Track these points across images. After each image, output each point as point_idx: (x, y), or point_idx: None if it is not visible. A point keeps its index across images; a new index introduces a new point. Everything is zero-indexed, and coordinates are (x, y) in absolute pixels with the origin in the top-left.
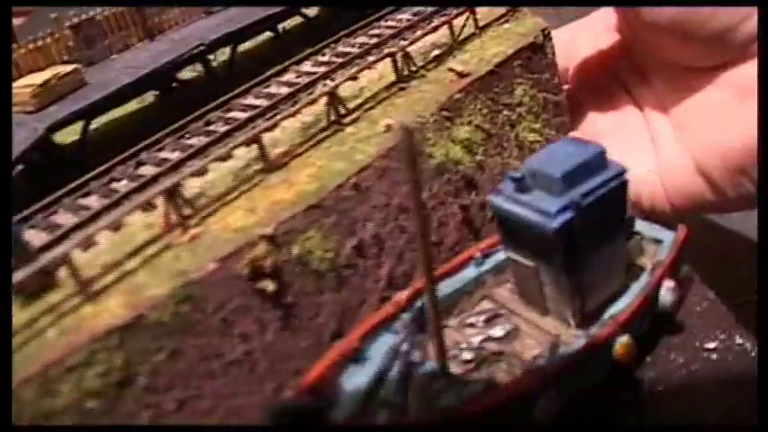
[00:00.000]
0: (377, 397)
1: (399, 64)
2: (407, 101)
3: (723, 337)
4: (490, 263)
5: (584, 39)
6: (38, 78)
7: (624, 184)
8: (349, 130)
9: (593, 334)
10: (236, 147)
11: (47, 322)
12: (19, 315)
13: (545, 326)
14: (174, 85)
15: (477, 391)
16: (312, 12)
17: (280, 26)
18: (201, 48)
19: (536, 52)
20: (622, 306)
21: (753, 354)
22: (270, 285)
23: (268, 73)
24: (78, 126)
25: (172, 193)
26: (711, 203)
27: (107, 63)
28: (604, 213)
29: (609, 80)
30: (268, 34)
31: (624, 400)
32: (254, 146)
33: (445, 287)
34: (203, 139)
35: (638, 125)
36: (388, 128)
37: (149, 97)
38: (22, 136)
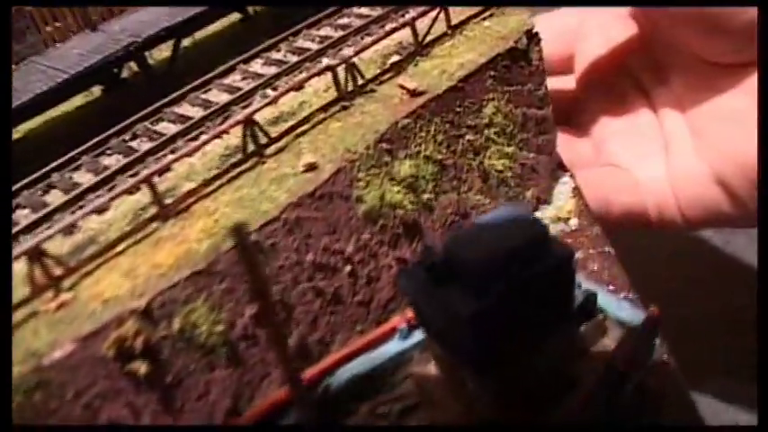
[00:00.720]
0: None
1: (342, 78)
2: (344, 127)
3: None
4: (418, 337)
5: (593, 27)
6: None
7: (570, 274)
8: (269, 164)
9: None
10: (114, 197)
11: None
12: None
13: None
14: (105, 86)
15: None
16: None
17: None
18: (135, 44)
19: (516, 60)
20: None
21: None
22: (142, 367)
23: (210, 75)
24: None
25: (35, 253)
26: (728, 216)
27: (28, 66)
28: (539, 306)
29: (620, 76)
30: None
31: None
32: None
33: (361, 366)
34: (92, 178)
35: (651, 128)
36: (309, 167)
37: (96, 94)
38: None
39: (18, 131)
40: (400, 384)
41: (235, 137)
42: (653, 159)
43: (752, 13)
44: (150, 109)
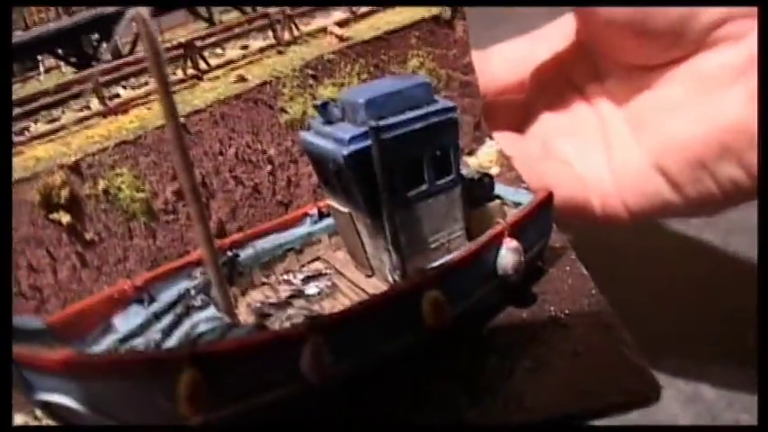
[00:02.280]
0: (141, 336)
1: (278, 27)
2: (276, 60)
3: (579, 311)
4: (326, 222)
5: (540, 48)
6: None
7: (451, 124)
8: (205, 84)
9: (395, 285)
10: (75, 96)
11: None
12: None
13: (366, 287)
14: (90, 64)
15: (242, 334)
16: None
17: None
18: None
19: (440, 26)
20: (440, 262)
21: (611, 330)
22: (65, 217)
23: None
24: None
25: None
26: (669, 203)
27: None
28: (419, 152)
29: (564, 83)
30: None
31: (440, 367)
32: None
33: (272, 242)
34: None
35: (593, 127)
36: (239, 78)
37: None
38: None
39: None
40: (309, 263)
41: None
42: (595, 155)
43: (675, 12)
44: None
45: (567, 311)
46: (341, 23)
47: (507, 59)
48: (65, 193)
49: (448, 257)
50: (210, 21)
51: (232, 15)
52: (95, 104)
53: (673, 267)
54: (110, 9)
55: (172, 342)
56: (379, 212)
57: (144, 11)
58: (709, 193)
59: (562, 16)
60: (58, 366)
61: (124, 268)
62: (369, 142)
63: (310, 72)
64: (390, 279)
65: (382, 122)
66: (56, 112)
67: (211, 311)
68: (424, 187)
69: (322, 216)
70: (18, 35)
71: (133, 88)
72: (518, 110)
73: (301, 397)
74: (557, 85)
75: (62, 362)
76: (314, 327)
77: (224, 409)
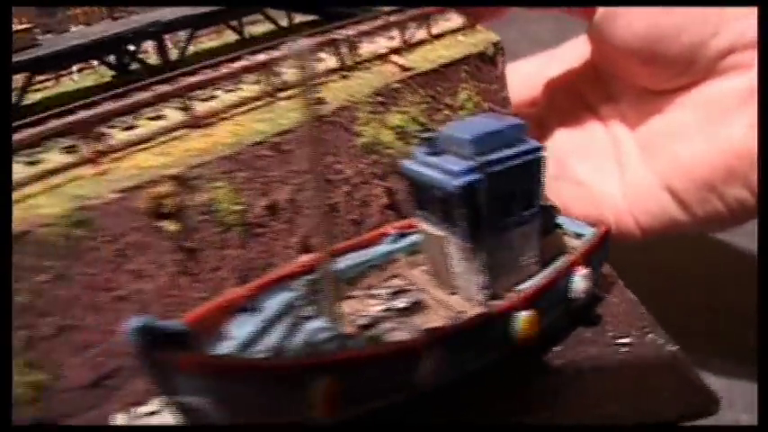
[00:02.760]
0: (259, 343)
1: (342, 51)
2: (344, 85)
3: (637, 334)
4: (405, 243)
5: (554, 67)
6: None
7: (539, 162)
8: (282, 104)
9: (491, 305)
10: (163, 99)
11: None
12: None
13: (451, 303)
14: (129, 65)
15: (360, 345)
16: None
17: (246, 32)
18: (155, 27)
19: (485, 62)
20: (528, 285)
21: (667, 347)
22: (171, 225)
23: (218, 59)
24: None
25: (87, 127)
26: (678, 221)
27: (64, 34)
28: (514, 186)
29: (577, 104)
30: (233, 36)
31: (530, 384)
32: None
33: (354, 259)
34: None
35: (605, 146)
36: (319, 100)
37: (107, 78)
38: None
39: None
40: (389, 279)
41: (244, 91)
42: (608, 174)
43: (686, 40)
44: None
45: (625, 333)
46: (396, 52)
47: (522, 77)
48: (172, 202)
49: (530, 281)
50: (241, 33)
51: (260, 29)
52: (170, 114)
53: (673, 266)
54: (152, 18)
55: (291, 350)
56: (477, 238)
57: (306, 44)
58: (716, 213)
59: (577, 37)
60: (205, 369)
61: (217, 277)
62: (477, 176)
63: (380, 99)
64: (477, 298)
65: (488, 158)
66: (128, 120)
67: (321, 322)
68: (513, 217)
69: (399, 236)
70: (66, 38)
71: (203, 100)
72: (532, 128)
73: (410, 402)
74: (570, 104)
75: (209, 365)
76: (432, 339)
77: (348, 412)
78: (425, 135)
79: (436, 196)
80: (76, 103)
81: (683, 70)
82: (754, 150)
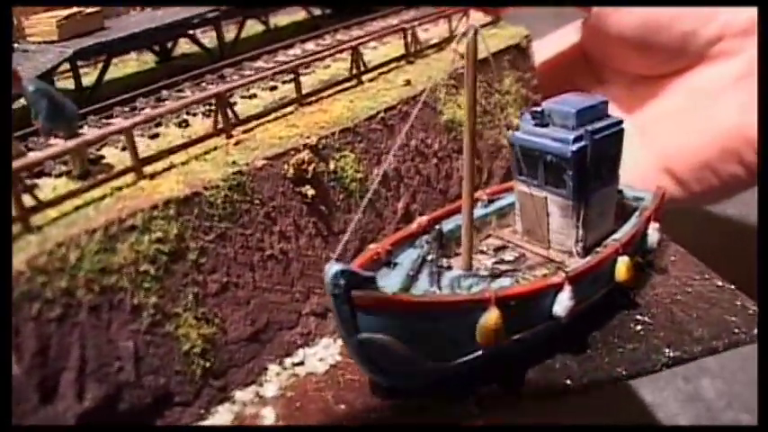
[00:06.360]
0: (412, 290)
1: (409, 39)
2: (417, 69)
3: (698, 277)
4: (494, 207)
5: (543, 53)
6: (63, 12)
7: (622, 133)
8: (368, 84)
9: (599, 251)
10: (278, 72)
11: (103, 192)
12: (70, 185)
13: (550, 255)
14: (173, 53)
15: (504, 286)
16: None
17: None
18: (216, 13)
19: (521, 53)
20: (620, 236)
21: (726, 287)
22: (310, 190)
23: (276, 45)
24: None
25: (221, 98)
26: (676, 198)
27: (123, 18)
28: (606, 153)
29: (567, 89)
30: (260, 27)
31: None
32: (277, 92)
33: (454, 223)
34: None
35: None
36: (407, 82)
37: (150, 64)
38: (48, 58)
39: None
40: (486, 239)
41: (326, 75)
42: None
43: (678, 29)
44: (247, 55)
45: (688, 276)
46: (448, 41)
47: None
48: (311, 169)
49: (619, 232)
50: (267, 24)
51: (284, 20)
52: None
53: None
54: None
55: (445, 293)
56: (580, 197)
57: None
58: (711, 188)
59: (566, 26)
60: (391, 306)
61: (340, 240)
62: (584, 143)
63: (452, 82)
64: (574, 250)
65: (590, 128)
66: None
67: (459, 270)
68: (604, 180)
69: (490, 201)
70: (131, 23)
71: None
72: None
73: (550, 330)
74: (561, 90)
75: (396, 302)
76: (568, 278)
77: (505, 341)
78: (536, 109)
79: (545, 161)
80: (160, 84)
81: (676, 57)
82: (746, 129)
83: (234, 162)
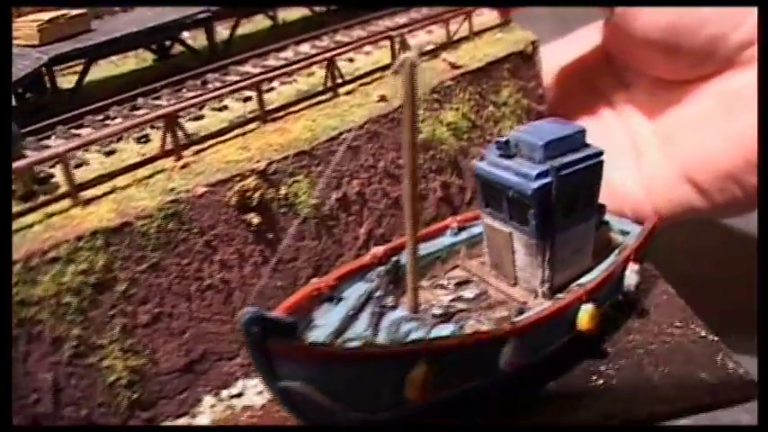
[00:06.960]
0: (348, 331)
1: (396, 47)
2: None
3: (680, 324)
4: (465, 235)
5: (565, 55)
6: (46, 15)
7: (599, 165)
8: (344, 98)
9: (559, 298)
10: (234, 90)
11: (34, 219)
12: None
13: (513, 294)
14: (172, 50)
15: (445, 334)
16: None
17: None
18: (208, 14)
19: (524, 60)
20: (589, 279)
21: (709, 338)
22: (255, 218)
23: (267, 48)
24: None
25: (169, 120)
26: (698, 209)
27: (114, 18)
28: (579, 188)
29: (589, 92)
30: (267, 22)
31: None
32: (250, 102)
33: (422, 250)
34: (200, 91)
35: (621, 136)
36: (382, 98)
37: (148, 62)
38: (24, 64)
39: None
40: (451, 270)
41: (303, 85)
42: (625, 165)
43: (706, 32)
44: (225, 62)
45: (668, 323)
46: (442, 48)
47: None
48: (256, 196)
49: (589, 275)
50: (275, 20)
51: (294, 14)
52: (240, 106)
53: (672, 267)
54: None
55: (381, 338)
56: (544, 235)
57: (415, 57)
58: (735, 200)
59: (586, 26)
60: (307, 356)
61: (294, 267)
62: (549, 179)
63: (436, 97)
64: (540, 290)
65: (558, 162)
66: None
67: (403, 311)
68: (576, 216)
69: (460, 229)
70: (119, 24)
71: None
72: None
73: (493, 385)
74: (582, 93)
75: (311, 352)
76: (515, 329)
77: (439, 395)
78: (503, 139)
79: (508, 196)
80: (136, 91)
81: (703, 62)
82: None
83: (172, 189)
